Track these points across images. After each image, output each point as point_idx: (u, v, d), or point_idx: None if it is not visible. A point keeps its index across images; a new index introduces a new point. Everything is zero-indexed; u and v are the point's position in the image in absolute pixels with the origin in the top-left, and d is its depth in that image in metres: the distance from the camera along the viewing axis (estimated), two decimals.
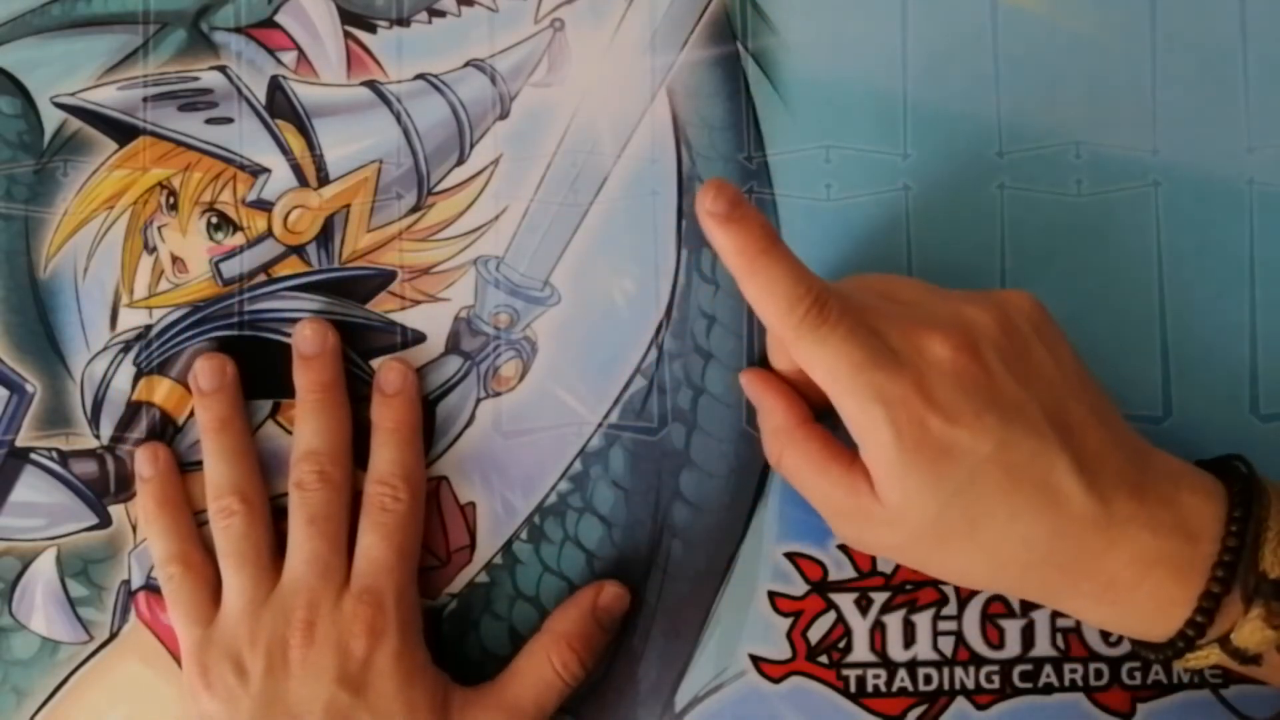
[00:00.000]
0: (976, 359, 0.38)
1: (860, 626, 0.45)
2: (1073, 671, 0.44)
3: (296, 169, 0.45)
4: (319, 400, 0.44)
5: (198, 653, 0.43)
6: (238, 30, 0.45)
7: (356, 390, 0.45)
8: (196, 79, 0.45)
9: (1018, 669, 0.45)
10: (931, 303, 0.40)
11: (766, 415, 0.42)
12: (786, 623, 0.45)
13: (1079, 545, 0.37)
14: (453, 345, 0.45)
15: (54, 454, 0.45)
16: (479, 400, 0.45)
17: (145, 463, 0.44)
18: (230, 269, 0.45)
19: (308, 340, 0.44)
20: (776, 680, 0.45)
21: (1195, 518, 0.38)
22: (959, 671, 0.45)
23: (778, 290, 0.38)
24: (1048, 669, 0.45)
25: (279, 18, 0.45)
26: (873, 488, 0.38)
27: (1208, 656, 0.38)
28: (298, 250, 0.45)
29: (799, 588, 0.45)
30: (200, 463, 0.44)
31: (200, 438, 0.44)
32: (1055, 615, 0.45)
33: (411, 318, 0.45)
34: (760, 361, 0.44)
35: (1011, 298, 0.40)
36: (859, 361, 0.37)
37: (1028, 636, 0.45)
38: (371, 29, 0.45)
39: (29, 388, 0.45)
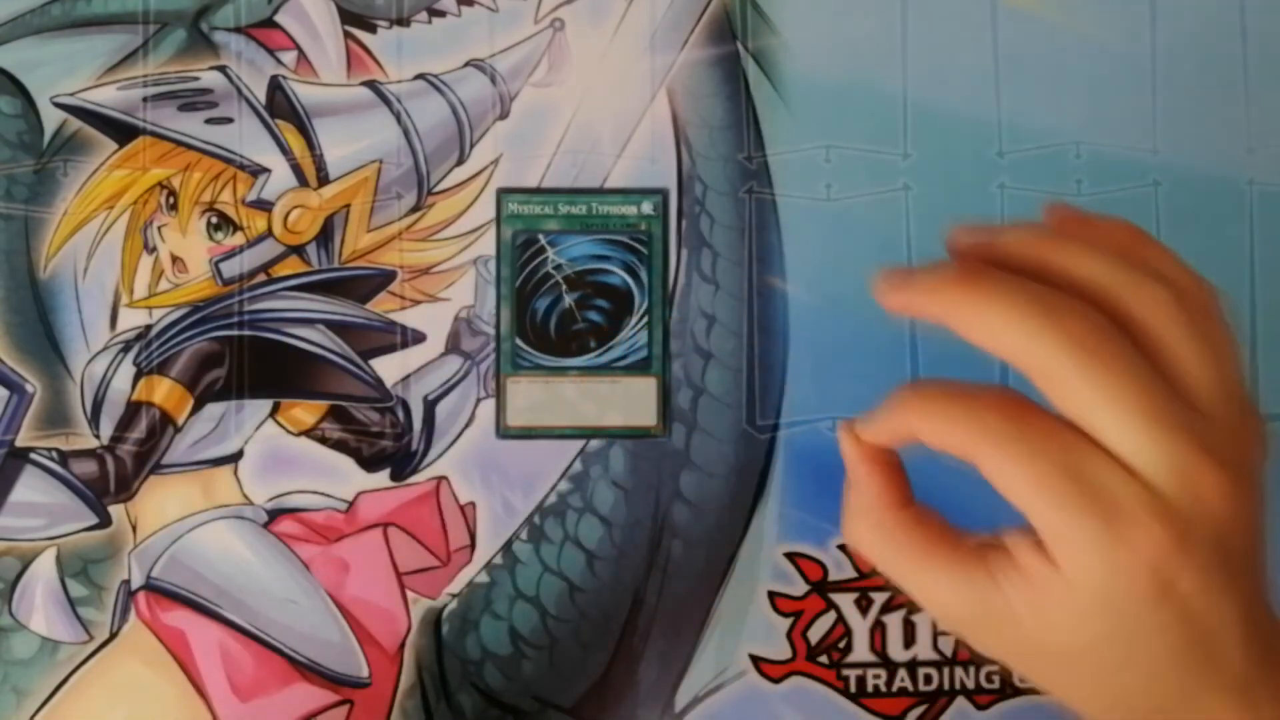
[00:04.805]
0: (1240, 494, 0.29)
1: (860, 626, 0.45)
2: None
3: (296, 169, 0.45)
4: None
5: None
6: (238, 30, 0.45)
7: (356, 391, 0.45)
8: (196, 79, 0.45)
9: None
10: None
11: (862, 491, 0.34)
12: (786, 623, 0.45)
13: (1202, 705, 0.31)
14: (453, 345, 0.45)
15: (54, 454, 0.45)
16: (479, 400, 0.45)
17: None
18: (230, 269, 0.45)
19: None
20: (776, 680, 0.45)
21: None
22: (959, 671, 0.45)
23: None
24: None
25: (279, 18, 0.45)
26: (1000, 580, 0.31)
27: None
28: (298, 250, 0.45)
29: (799, 588, 0.45)
30: (199, 463, 0.45)
31: None
32: None
33: (411, 318, 0.45)
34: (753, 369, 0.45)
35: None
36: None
37: None
38: (371, 29, 0.45)
39: (29, 388, 0.45)
